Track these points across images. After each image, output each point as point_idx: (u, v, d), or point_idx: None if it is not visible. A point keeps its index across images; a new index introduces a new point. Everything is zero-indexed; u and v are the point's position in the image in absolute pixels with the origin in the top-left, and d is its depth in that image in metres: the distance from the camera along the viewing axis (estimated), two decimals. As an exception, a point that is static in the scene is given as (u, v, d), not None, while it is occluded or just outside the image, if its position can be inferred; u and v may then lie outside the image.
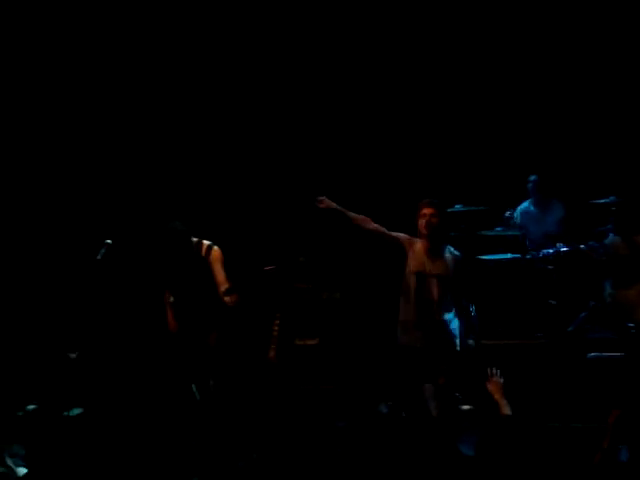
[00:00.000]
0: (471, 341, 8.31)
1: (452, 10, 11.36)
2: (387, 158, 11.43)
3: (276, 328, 9.10)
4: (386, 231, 7.92)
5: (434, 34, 11.39)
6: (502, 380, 7.02)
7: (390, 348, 8.09)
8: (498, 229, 10.63)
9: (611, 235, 9.74)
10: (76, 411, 8.47)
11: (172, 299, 8.44)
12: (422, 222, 7.84)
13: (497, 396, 7.11)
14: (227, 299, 8.12)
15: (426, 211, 7.84)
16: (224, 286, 8.18)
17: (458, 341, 7.97)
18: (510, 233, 10.61)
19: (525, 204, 10.85)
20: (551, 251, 10.16)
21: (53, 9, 11.22)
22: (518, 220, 10.78)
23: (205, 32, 11.42)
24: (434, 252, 7.86)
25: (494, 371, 6.91)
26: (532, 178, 10.76)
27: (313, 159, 11.39)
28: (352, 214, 7.92)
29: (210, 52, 11.48)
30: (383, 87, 11.50)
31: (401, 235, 7.94)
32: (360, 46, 11.44)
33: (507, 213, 10.68)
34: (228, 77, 11.54)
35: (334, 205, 7.95)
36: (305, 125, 11.54)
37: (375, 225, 7.89)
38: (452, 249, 8.00)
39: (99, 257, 8.27)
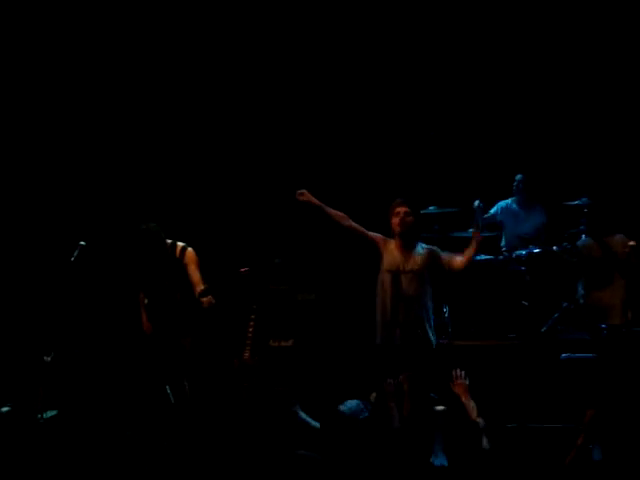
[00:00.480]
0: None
1: (422, 15, 11.39)
2: (362, 160, 11.45)
3: (251, 330, 9.08)
4: (364, 230, 7.98)
5: (407, 38, 11.42)
6: (467, 382, 7.05)
7: (367, 349, 8.11)
8: (471, 230, 10.64)
9: (583, 237, 9.81)
10: (50, 413, 8.43)
11: (147, 301, 8.42)
12: (396, 220, 7.91)
13: (463, 398, 7.13)
14: (202, 301, 8.11)
15: (400, 209, 7.93)
16: (199, 288, 8.17)
17: (434, 338, 8.04)
18: (483, 234, 10.64)
19: (507, 201, 10.87)
20: (524, 252, 10.21)
21: (53, 9, 11.20)
22: (498, 216, 10.81)
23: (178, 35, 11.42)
24: (407, 249, 7.93)
25: (459, 372, 6.94)
26: (519, 177, 10.79)
27: (288, 161, 11.38)
28: (330, 210, 8.00)
29: (185, 52, 11.47)
30: (357, 90, 11.51)
31: (378, 235, 8.00)
32: (334, 47, 11.45)
33: (476, 203, 10.68)
34: (198, 75, 11.51)
35: (313, 199, 8.01)
36: (280, 127, 11.53)
37: (352, 223, 7.97)
38: (424, 245, 8.07)
39: (73, 259, 8.24)
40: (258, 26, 11.41)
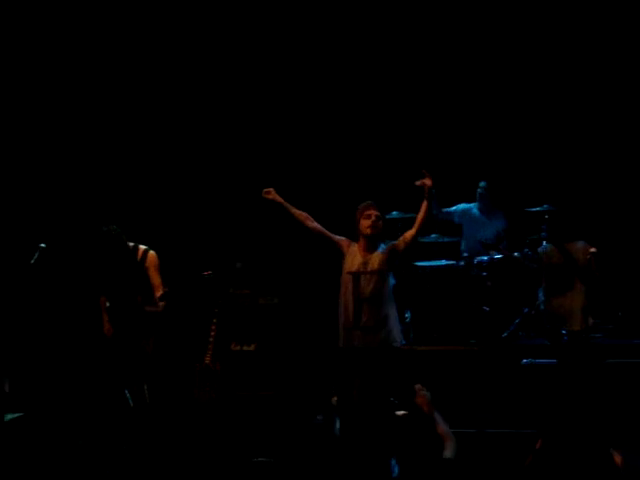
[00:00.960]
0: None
1: (384, 21, 11.42)
2: (325, 164, 11.45)
3: (213, 333, 9.05)
4: (327, 232, 7.96)
5: (371, 45, 11.44)
6: (429, 394, 7.08)
7: (328, 352, 8.10)
8: (433, 236, 10.69)
9: (544, 243, 9.86)
10: (10, 416, 8.36)
11: (108, 304, 8.37)
12: (367, 222, 7.85)
13: (427, 409, 7.15)
14: (158, 305, 8.09)
15: (371, 212, 7.86)
16: (159, 291, 8.15)
17: (400, 337, 8.05)
18: (445, 240, 10.69)
19: (469, 205, 10.91)
20: (485, 258, 10.25)
21: (53, 9, 11.13)
22: (456, 217, 10.84)
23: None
24: (369, 251, 7.91)
25: (419, 386, 6.98)
26: (482, 184, 10.84)
27: (252, 164, 11.36)
28: (295, 210, 7.98)
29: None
30: (321, 94, 11.52)
31: (342, 238, 7.97)
32: (300, 49, 11.47)
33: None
34: (155, 81, 11.49)
35: (279, 198, 8.00)
36: (243, 130, 11.50)
37: (316, 224, 7.94)
38: (384, 244, 8.05)
39: (33, 261, 8.17)
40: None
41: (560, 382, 8.65)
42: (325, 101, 11.53)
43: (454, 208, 10.85)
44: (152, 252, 8.30)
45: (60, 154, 11.21)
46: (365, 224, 7.88)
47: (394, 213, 10.41)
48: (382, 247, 7.94)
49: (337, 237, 7.99)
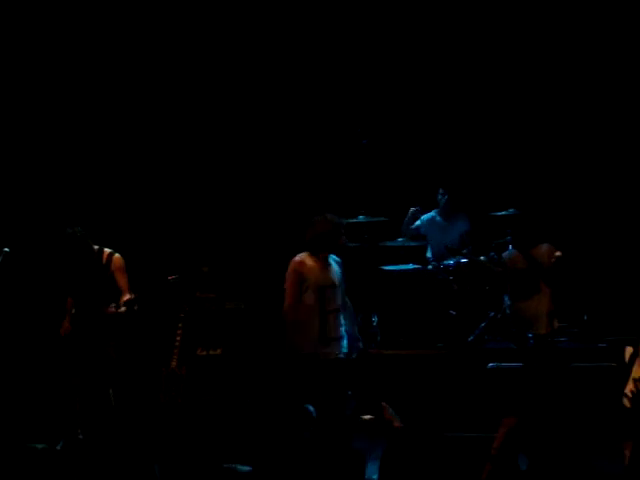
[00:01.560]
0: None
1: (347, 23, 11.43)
2: (290, 168, 11.44)
3: (178, 338, 9.01)
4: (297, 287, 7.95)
5: (334, 47, 11.45)
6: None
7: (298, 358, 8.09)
8: (400, 240, 10.70)
9: (510, 247, 9.89)
10: None
11: (74, 309, 8.33)
12: (342, 238, 7.97)
13: (396, 425, 7.20)
14: (122, 309, 8.05)
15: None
16: (126, 296, 8.11)
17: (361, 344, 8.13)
18: (412, 244, 10.71)
19: (431, 214, 10.96)
20: (452, 262, 10.28)
21: (53, 9, 11.06)
22: (422, 229, 10.88)
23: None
24: (325, 264, 7.95)
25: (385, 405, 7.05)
26: (441, 190, 10.88)
27: (217, 168, 11.34)
28: None
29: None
30: (285, 97, 11.52)
31: (297, 264, 7.95)
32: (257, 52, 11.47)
33: (412, 210, 10.72)
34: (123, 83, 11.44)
35: None
36: (205, 134, 11.48)
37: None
38: (334, 256, 8.08)
39: (-4, 265, 8.12)
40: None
41: (526, 386, 8.67)
42: (290, 103, 11.54)
43: (418, 222, 10.88)
44: (117, 255, 8.27)
45: (22, 157, 11.13)
46: (342, 240, 7.92)
47: (360, 217, 10.42)
48: (332, 259, 8.00)
49: (299, 275, 7.96)
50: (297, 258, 7.93)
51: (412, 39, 11.40)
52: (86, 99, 11.33)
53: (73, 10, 11.16)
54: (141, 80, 11.44)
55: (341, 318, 8.00)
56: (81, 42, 11.24)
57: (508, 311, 9.45)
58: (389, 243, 10.61)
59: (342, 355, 7.96)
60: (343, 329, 8.02)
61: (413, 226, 10.75)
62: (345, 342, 8.00)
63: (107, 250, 8.29)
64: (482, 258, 10.14)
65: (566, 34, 11.13)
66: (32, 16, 11.11)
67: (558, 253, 9.14)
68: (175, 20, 11.40)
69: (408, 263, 10.56)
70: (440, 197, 10.89)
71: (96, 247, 8.25)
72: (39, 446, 7.87)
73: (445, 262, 10.30)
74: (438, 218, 10.94)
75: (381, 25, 11.36)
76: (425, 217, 10.94)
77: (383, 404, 7.39)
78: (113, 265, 8.25)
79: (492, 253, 10.15)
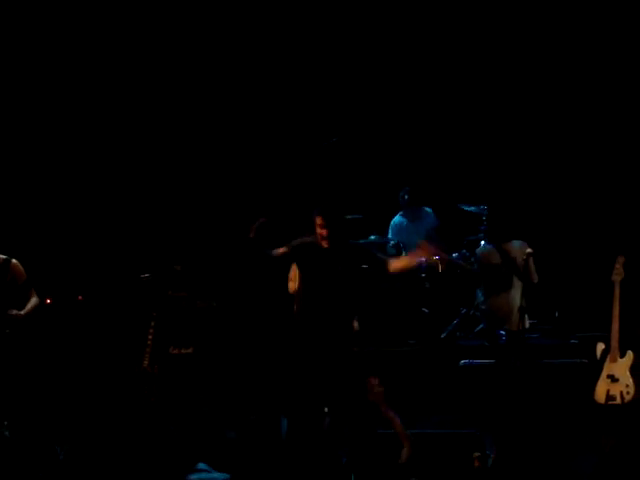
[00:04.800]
0: None
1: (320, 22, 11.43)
2: (262, 167, 11.44)
3: (150, 337, 8.98)
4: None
5: (313, 48, 11.45)
6: (382, 389, 7.10)
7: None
8: (372, 237, 10.70)
9: (482, 243, 9.92)
10: None
11: None
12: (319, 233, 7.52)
13: (382, 408, 7.18)
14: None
15: (317, 220, 7.49)
16: (29, 299, 8.05)
17: None
18: (384, 240, 10.72)
19: (397, 217, 10.99)
20: (423, 260, 10.28)
21: (53, 9, 10.99)
22: (390, 234, 10.91)
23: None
24: None
25: (375, 382, 6.98)
26: (402, 192, 10.89)
27: (189, 167, 11.32)
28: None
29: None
30: (263, 95, 11.53)
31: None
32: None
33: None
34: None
35: None
36: (186, 131, 11.47)
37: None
38: None
39: None
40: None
41: (498, 382, 8.71)
42: (268, 101, 11.54)
43: (391, 234, 10.90)
44: (14, 261, 8.14)
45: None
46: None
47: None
48: None
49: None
50: None
51: (380, 34, 11.41)
52: (75, 99, 11.27)
53: (73, 10, 11.09)
54: (131, 81, 11.39)
55: None
56: (81, 42, 11.17)
57: (481, 307, 9.46)
58: (361, 240, 10.59)
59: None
60: None
61: (390, 244, 10.74)
62: None
63: (1, 257, 8.11)
64: (454, 255, 10.15)
65: (543, 27, 11.17)
66: (32, 16, 11.03)
67: (529, 250, 9.16)
68: (175, 20, 11.36)
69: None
70: (401, 198, 10.90)
71: None
72: None
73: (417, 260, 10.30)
74: (403, 219, 10.97)
75: (353, 22, 11.37)
76: (392, 223, 10.98)
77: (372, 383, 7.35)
78: (11, 272, 8.11)
79: (464, 250, 10.18)
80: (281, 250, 7.60)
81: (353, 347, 7.63)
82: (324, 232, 7.40)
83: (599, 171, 11.13)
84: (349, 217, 10.43)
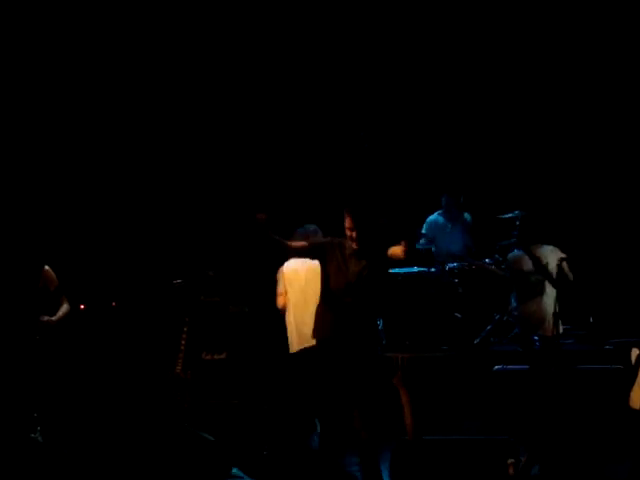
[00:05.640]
0: None
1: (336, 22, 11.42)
2: (294, 172, 11.45)
3: (183, 342, 9.00)
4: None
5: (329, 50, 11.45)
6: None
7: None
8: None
9: (514, 250, 9.87)
10: None
11: None
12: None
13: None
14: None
15: (346, 223, 7.34)
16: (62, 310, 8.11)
17: None
18: (417, 247, 10.69)
19: (434, 216, 10.96)
20: (456, 265, 10.26)
21: (53, 9, 11.05)
22: (424, 230, 10.88)
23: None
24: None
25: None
26: (444, 199, 10.89)
27: (222, 173, 11.34)
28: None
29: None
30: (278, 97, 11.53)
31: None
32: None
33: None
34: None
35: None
36: (214, 137, 11.48)
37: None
38: None
39: None
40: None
41: (532, 388, 8.65)
42: (287, 107, 11.54)
43: (425, 229, 10.86)
44: (47, 268, 8.19)
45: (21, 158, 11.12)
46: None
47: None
48: None
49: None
50: None
51: (419, 40, 11.39)
52: (87, 102, 11.31)
53: (73, 10, 11.14)
54: (143, 85, 11.42)
55: None
56: (81, 42, 11.21)
57: (514, 313, 9.42)
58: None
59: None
60: None
61: (424, 238, 10.72)
62: None
63: None
64: (487, 260, 10.12)
65: (573, 38, 11.12)
66: (32, 16, 11.09)
67: (563, 255, 9.12)
68: (175, 20, 11.38)
69: (413, 266, 10.53)
70: (443, 200, 10.90)
71: None
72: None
73: (450, 265, 10.28)
74: (441, 219, 10.94)
75: (387, 26, 11.36)
76: (430, 221, 10.94)
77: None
78: None
79: (496, 255, 10.14)
80: (300, 243, 7.55)
81: (377, 350, 7.59)
82: (353, 234, 7.26)
83: (635, 176, 11.06)
84: (383, 219, 10.45)
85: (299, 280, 8.31)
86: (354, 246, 7.29)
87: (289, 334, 8.26)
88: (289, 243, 7.48)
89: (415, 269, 10.44)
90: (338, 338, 7.33)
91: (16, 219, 9.46)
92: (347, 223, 7.28)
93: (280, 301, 8.38)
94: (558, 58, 11.21)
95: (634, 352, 7.86)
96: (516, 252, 9.54)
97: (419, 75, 11.48)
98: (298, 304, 8.25)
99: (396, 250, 7.35)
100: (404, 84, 11.52)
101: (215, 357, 9.17)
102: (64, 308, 8.20)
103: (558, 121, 11.30)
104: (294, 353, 8.17)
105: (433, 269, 10.39)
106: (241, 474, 7.67)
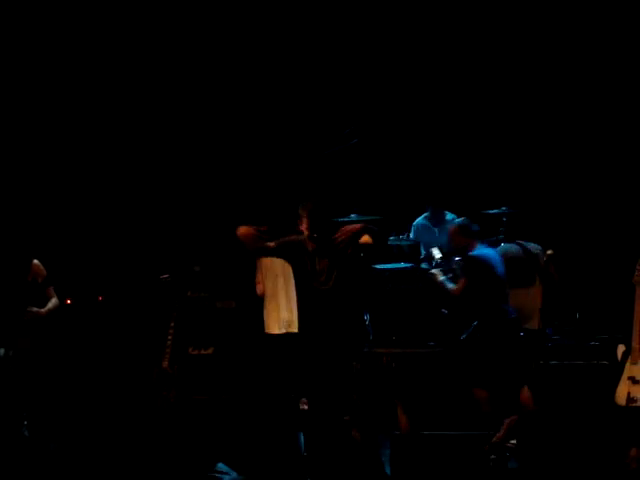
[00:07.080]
0: None
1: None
2: (281, 167, 11.43)
3: (170, 337, 9.00)
4: None
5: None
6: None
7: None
8: (391, 238, 10.67)
9: (503, 244, 9.88)
10: None
11: None
12: None
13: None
14: None
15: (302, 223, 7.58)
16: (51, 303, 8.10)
17: None
18: (404, 243, 10.70)
19: (420, 219, 10.99)
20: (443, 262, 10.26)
21: (53, 9, 11.02)
22: (412, 234, 10.91)
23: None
24: None
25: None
26: (428, 210, 10.91)
27: (208, 167, 11.33)
28: None
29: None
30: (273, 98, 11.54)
31: None
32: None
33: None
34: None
35: None
36: (191, 131, 11.47)
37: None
38: None
39: None
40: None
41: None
42: (274, 103, 11.54)
43: (413, 233, 10.89)
44: (35, 261, 8.18)
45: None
46: None
47: (352, 216, 10.40)
48: None
49: None
50: None
51: (403, 36, 11.40)
52: (75, 99, 11.30)
53: (73, 10, 11.13)
54: (132, 82, 11.42)
55: None
56: (81, 42, 11.21)
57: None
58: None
59: None
60: None
61: (412, 237, 10.74)
62: None
63: None
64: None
65: (557, 30, 11.15)
66: (32, 16, 11.08)
67: (550, 251, 9.14)
68: (174, 20, 11.39)
69: (400, 262, 10.54)
70: (429, 211, 10.93)
71: None
72: None
73: (437, 260, 10.29)
74: (428, 223, 10.97)
75: (371, 22, 11.37)
76: (416, 224, 10.97)
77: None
78: None
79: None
80: (272, 244, 7.61)
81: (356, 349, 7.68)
82: (307, 233, 7.47)
83: (621, 173, 11.08)
84: (367, 218, 10.48)
85: (274, 269, 8.63)
86: (310, 246, 7.45)
87: (266, 317, 8.51)
88: (267, 244, 7.58)
89: (402, 265, 10.45)
90: (319, 330, 7.44)
91: (5, 213, 9.48)
92: (303, 223, 7.47)
93: (259, 289, 8.71)
94: (540, 54, 11.23)
95: (620, 348, 7.89)
96: (506, 245, 9.55)
97: (404, 72, 11.49)
98: (275, 291, 8.58)
99: (364, 238, 7.50)
100: (392, 79, 11.53)
101: (202, 352, 9.19)
102: (53, 301, 8.20)
103: (544, 117, 11.31)
104: (275, 335, 8.35)
105: (421, 265, 10.39)
106: (226, 469, 7.69)
